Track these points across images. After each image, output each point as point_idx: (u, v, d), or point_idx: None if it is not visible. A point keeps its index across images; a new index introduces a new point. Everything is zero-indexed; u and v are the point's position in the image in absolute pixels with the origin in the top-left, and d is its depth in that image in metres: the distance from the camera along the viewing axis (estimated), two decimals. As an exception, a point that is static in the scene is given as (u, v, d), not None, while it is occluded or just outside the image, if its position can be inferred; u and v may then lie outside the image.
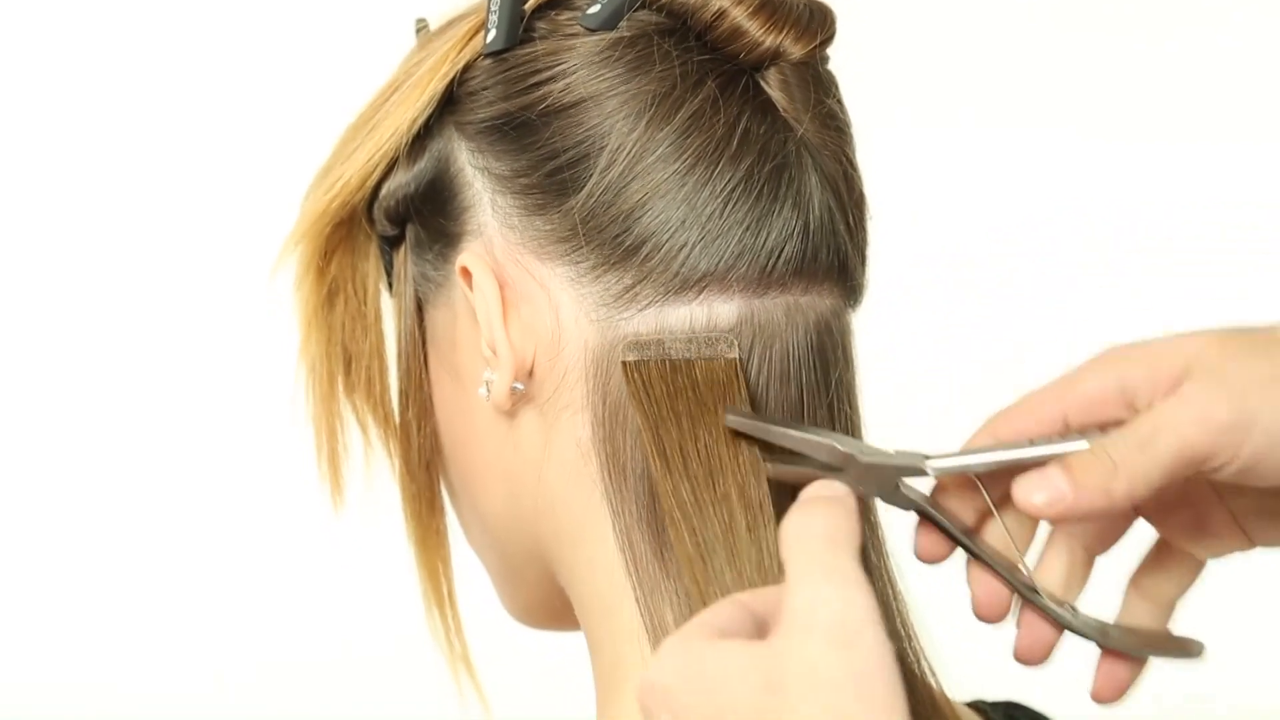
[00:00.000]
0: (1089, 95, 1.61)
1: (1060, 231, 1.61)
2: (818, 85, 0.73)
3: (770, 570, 0.66)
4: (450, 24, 0.76)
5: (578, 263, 0.71)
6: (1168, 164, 1.59)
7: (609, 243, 0.70)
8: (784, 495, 0.66)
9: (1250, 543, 0.68)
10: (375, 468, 0.82)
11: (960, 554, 0.68)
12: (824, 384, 0.71)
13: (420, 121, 0.74)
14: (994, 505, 0.66)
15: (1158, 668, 0.67)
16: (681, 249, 0.70)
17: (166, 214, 1.50)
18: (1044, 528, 0.67)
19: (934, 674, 0.71)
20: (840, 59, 0.76)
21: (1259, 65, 1.60)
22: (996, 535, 0.67)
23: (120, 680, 1.54)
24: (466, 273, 0.73)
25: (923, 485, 0.67)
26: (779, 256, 0.70)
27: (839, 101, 0.75)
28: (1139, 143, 1.60)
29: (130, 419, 1.56)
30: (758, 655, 0.55)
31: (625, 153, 0.70)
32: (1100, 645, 0.66)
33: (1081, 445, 0.63)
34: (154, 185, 1.50)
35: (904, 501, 0.67)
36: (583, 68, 0.71)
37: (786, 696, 0.54)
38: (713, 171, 0.70)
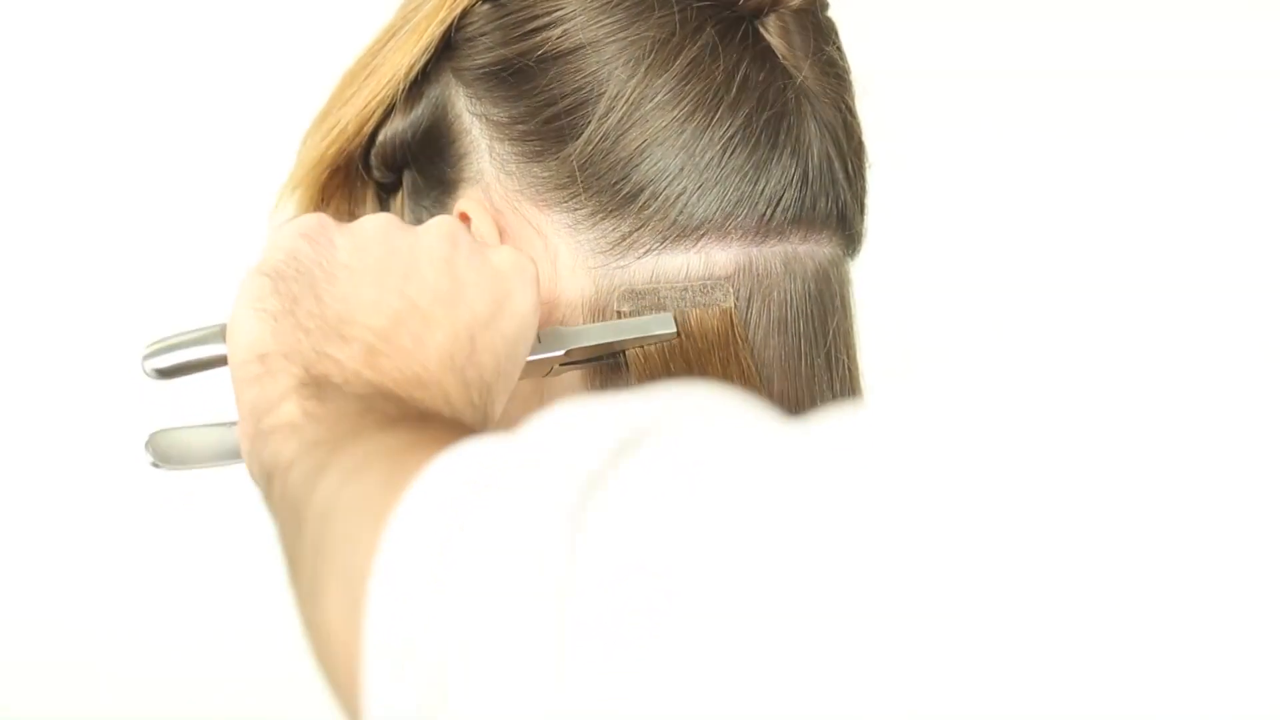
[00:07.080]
0: (1093, 46, 1.61)
1: (1063, 185, 1.61)
2: (817, 32, 0.73)
3: None
4: (448, -31, 0.76)
5: (575, 210, 0.71)
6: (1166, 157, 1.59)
7: (607, 190, 0.70)
8: None
9: None
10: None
11: None
12: (822, 333, 0.71)
13: (418, 67, 0.74)
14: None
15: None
16: (679, 196, 0.69)
17: (159, 158, 1.49)
18: None
19: None
20: (840, 6, 0.75)
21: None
22: None
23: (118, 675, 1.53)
24: (465, 219, 0.72)
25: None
26: (777, 205, 0.70)
27: (839, 49, 0.74)
28: (1149, 125, 1.59)
29: (127, 392, 1.55)
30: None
31: (623, 99, 0.70)
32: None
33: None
34: (147, 134, 1.49)
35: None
36: (581, 13, 0.71)
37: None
38: (711, 119, 0.70)
